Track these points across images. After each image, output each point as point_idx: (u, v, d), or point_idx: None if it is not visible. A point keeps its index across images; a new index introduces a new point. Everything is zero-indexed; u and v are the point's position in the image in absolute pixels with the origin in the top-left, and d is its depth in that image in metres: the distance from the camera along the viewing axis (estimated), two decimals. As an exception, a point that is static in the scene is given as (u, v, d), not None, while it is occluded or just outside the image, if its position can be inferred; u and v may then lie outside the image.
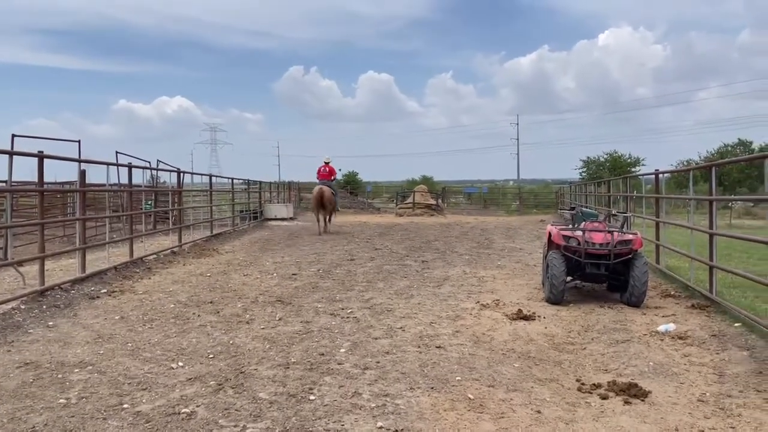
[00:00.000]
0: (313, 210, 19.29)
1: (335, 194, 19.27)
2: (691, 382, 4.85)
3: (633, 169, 44.65)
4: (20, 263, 9.04)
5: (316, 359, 5.39)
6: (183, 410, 4.18)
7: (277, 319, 7.00)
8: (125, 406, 4.28)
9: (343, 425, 3.96)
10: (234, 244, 16.03)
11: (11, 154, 8.49)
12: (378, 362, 5.32)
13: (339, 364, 5.28)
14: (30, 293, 7.70)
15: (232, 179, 21.65)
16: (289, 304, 7.86)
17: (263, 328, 6.54)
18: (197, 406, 4.27)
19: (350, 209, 33.87)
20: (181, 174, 16.37)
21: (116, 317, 7.04)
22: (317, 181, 19.71)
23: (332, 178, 19.80)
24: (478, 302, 7.95)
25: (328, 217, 19.26)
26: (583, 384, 4.79)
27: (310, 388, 4.64)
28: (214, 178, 19.20)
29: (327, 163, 19.67)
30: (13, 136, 12.66)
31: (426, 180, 53.95)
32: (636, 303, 7.67)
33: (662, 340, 6.12)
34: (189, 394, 4.51)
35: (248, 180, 25.84)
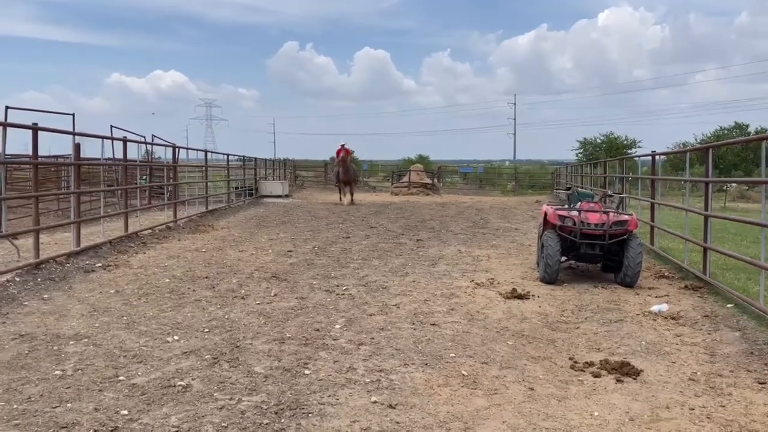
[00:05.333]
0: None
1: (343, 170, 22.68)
2: (683, 362, 4.90)
3: (629, 151, 44.65)
4: (15, 236, 9.01)
5: (311, 335, 5.42)
6: (178, 383, 4.21)
7: (273, 294, 7.02)
8: (121, 378, 4.30)
9: (337, 399, 4.00)
10: (229, 220, 16.00)
11: (5, 125, 8.40)
12: (373, 338, 5.35)
13: (334, 339, 5.30)
14: (25, 266, 7.68)
15: (228, 155, 21.55)
16: (285, 280, 7.88)
17: (258, 304, 6.56)
18: (192, 379, 4.29)
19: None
20: (177, 149, 16.27)
21: (111, 291, 7.04)
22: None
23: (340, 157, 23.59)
24: (473, 281, 7.98)
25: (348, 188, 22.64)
26: (575, 362, 4.83)
27: (305, 363, 4.67)
28: (209, 154, 19.12)
29: (342, 146, 22.94)
30: (7, 108, 12.54)
31: (422, 159, 53.79)
32: (630, 283, 7.71)
33: (655, 320, 6.17)
34: (184, 368, 4.53)
35: (243, 156, 25.74)
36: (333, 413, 3.78)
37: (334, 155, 24.27)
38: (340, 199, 22.53)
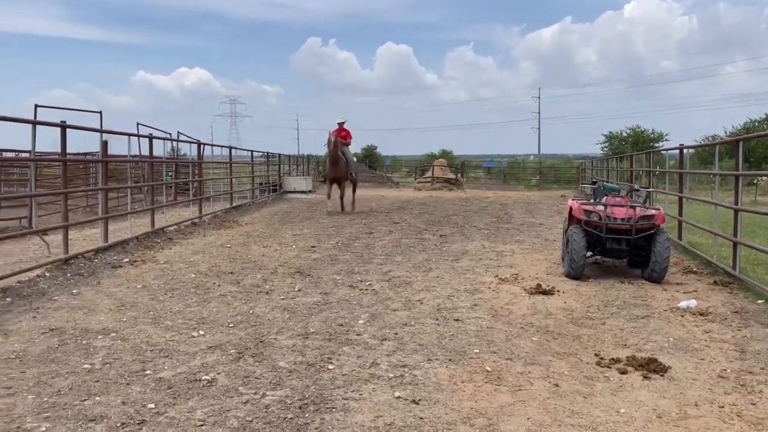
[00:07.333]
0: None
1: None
2: (712, 359, 4.81)
3: (656, 144, 43.94)
4: (45, 232, 9.19)
5: (334, 330, 5.43)
6: (204, 377, 4.25)
7: (297, 290, 7.05)
8: (148, 372, 4.36)
9: (361, 395, 4.00)
10: (253, 216, 16.12)
11: (35, 123, 8.55)
12: (396, 334, 5.35)
13: (357, 334, 5.31)
14: (54, 261, 7.83)
15: (252, 152, 21.74)
16: (308, 275, 7.91)
17: (283, 299, 6.60)
18: (218, 374, 4.33)
19: (369, 183, 33.82)
20: (202, 146, 16.44)
21: (138, 286, 7.14)
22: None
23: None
24: (497, 276, 7.93)
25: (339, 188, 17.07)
26: (601, 358, 4.77)
27: (329, 358, 4.68)
28: (233, 151, 19.28)
29: (340, 125, 17.09)
30: (36, 106, 12.76)
31: (445, 154, 53.62)
32: (657, 279, 7.59)
33: (683, 316, 6.07)
34: (210, 362, 4.57)
35: (268, 153, 25.89)
36: (357, 408, 3.79)
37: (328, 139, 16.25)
38: (328, 197, 16.68)
